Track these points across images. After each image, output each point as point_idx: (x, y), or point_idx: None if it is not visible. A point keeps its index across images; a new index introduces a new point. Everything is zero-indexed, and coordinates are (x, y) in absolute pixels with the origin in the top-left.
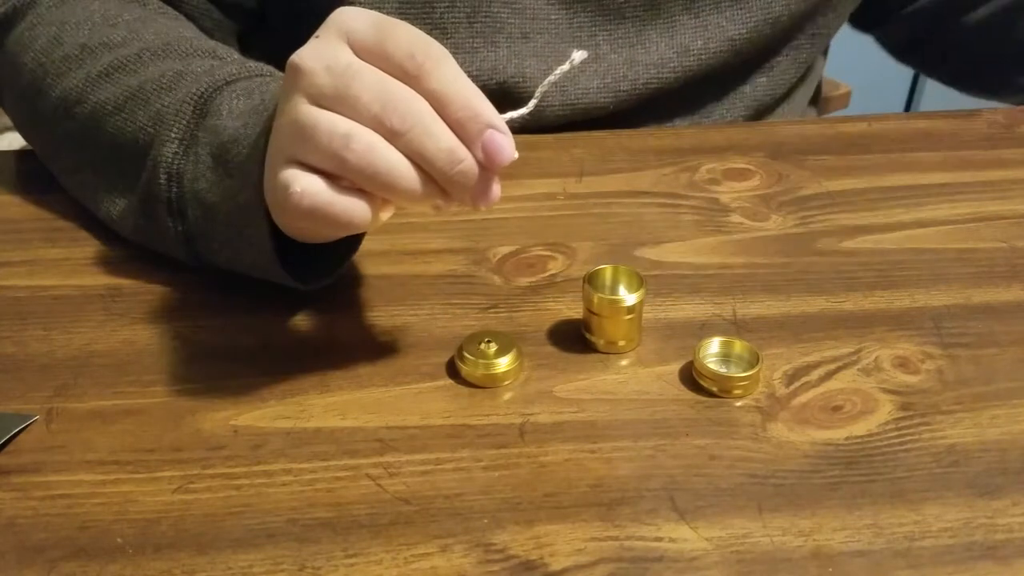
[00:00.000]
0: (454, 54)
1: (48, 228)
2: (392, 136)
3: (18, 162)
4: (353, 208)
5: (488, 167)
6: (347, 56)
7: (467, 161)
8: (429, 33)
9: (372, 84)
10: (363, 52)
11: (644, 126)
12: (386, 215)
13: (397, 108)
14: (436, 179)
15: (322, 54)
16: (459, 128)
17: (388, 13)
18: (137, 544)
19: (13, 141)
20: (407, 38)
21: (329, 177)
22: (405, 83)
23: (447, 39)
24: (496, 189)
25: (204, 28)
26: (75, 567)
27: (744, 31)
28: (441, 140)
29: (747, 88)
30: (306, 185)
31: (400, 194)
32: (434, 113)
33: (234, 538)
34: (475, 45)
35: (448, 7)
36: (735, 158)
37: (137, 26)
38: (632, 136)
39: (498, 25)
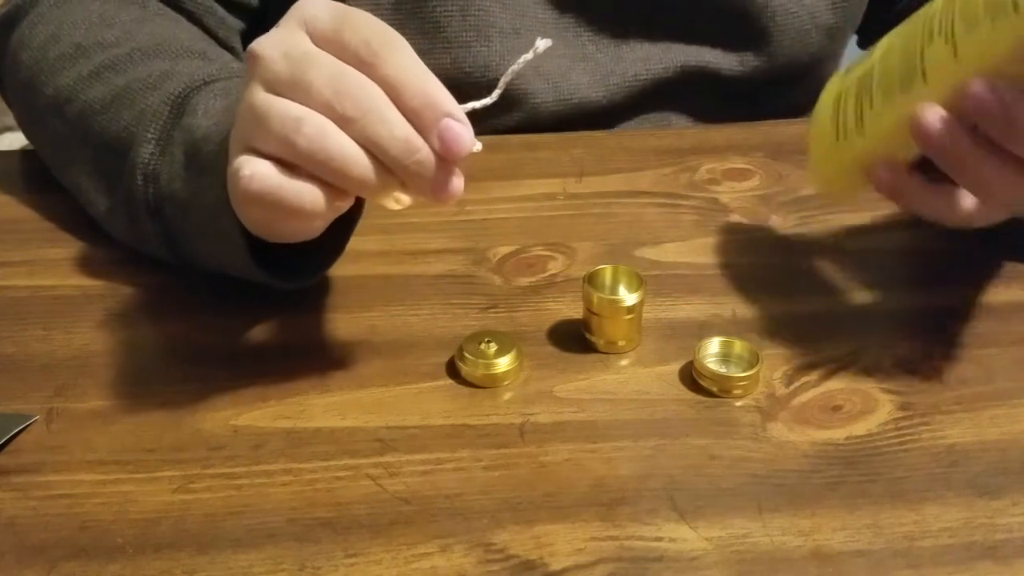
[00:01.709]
0: (448, 49)
1: (48, 228)
2: (345, 123)
3: (18, 162)
4: (303, 193)
5: (445, 157)
6: (305, 44)
7: (423, 151)
8: (423, 27)
9: (327, 70)
10: (321, 40)
11: (640, 118)
12: (344, 205)
13: (351, 94)
14: (393, 169)
15: (280, 42)
16: (414, 117)
17: (384, 6)
18: (137, 544)
19: (13, 141)
20: (365, 26)
21: (284, 165)
22: (361, 71)
23: (440, 33)
24: (457, 183)
25: (207, 27)
26: (75, 567)
27: (730, 58)
28: (396, 128)
29: (746, 95)
30: (255, 169)
31: (354, 181)
32: (389, 101)
33: (234, 538)
34: (468, 39)
35: (441, 0)
36: (735, 158)
37: (132, 27)
38: (632, 136)
39: (490, 20)
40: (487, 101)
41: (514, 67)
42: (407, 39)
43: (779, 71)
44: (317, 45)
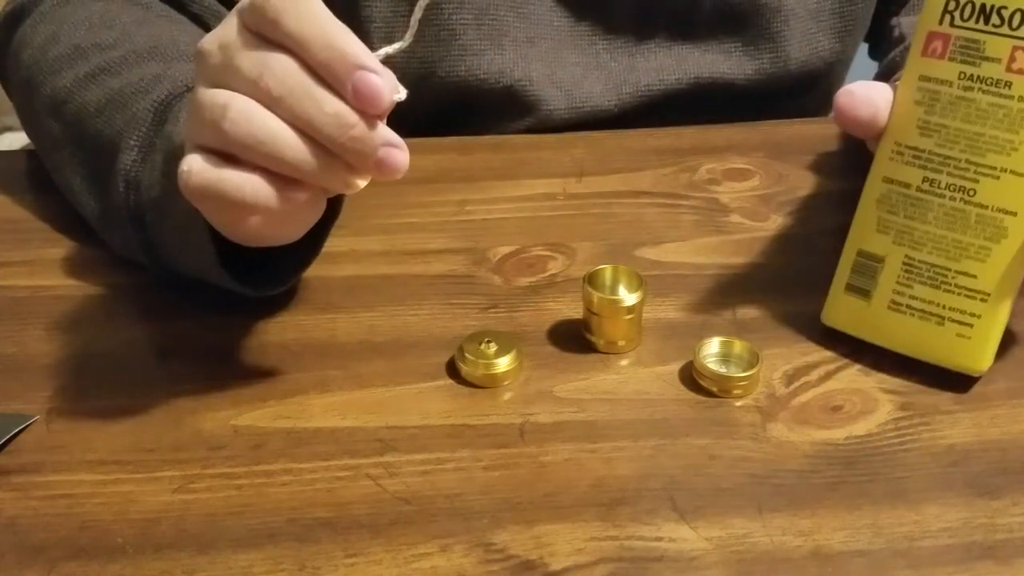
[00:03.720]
0: (463, 56)
1: (48, 228)
2: (273, 103)
3: (18, 162)
4: (244, 184)
5: (365, 111)
6: (237, 31)
7: (359, 127)
8: (438, 35)
9: (252, 52)
10: (247, 20)
11: (651, 128)
12: (299, 195)
13: (274, 72)
14: (332, 148)
15: (218, 34)
16: (325, 72)
17: (401, 13)
18: (137, 544)
19: (13, 141)
20: None
21: (228, 158)
22: (268, 34)
23: (455, 41)
24: (395, 155)
25: (212, 29)
26: (75, 567)
27: (746, 66)
28: (326, 104)
29: (757, 105)
30: (192, 163)
31: (292, 165)
32: (316, 77)
33: (234, 538)
34: (482, 47)
35: (456, 8)
36: (735, 158)
37: (132, 28)
38: (632, 136)
39: (504, 28)
40: (401, 45)
41: (420, 2)
42: (422, 46)
43: (792, 78)
44: (246, 26)
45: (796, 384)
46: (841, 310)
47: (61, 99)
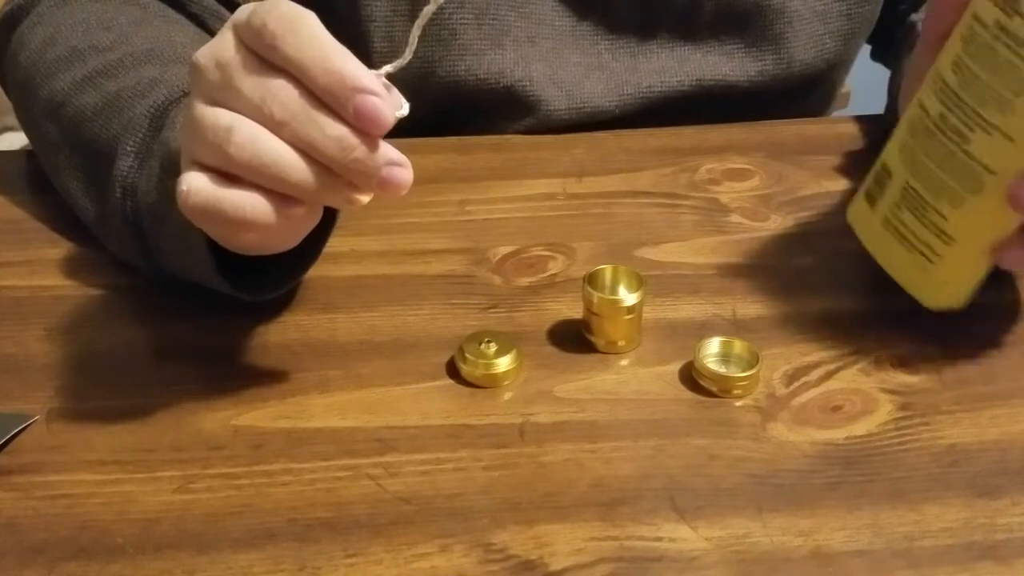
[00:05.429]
0: (463, 56)
1: (48, 228)
2: (276, 127)
3: (18, 162)
4: (243, 204)
5: (368, 133)
6: (234, 48)
7: (361, 148)
8: (439, 34)
9: (252, 76)
10: (245, 38)
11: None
12: (298, 211)
13: (277, 97)
14: (335, 169)
15: (214, 49)
16: (326, 96)
17: (400, 13)
18: (137, 544)
19: (13, 141)
20: (265, 10)
21: (227, 176)
22: (267, 57)
23: (456, 40)
24: (398, 173)
25: (212, 30)
26: (75, 567)
27: (748, 68)
28: (328, 128)
29: (759, 106)
30: (192, 182)
31: (295, 186)
32: (317, 101)
33: (234, 538)
34: (482, 47)
35: (457, 8)
36: (735, 158)
37: (129, 30)
38: (632, 136)
39: (505, 28)
40: (401, 62)
41: (420, 20)
42: (423, 46)
43: (795, 80)
44: (244, 45)
45: (796, 384)
46: (858, 212)
47: (58, 102)
